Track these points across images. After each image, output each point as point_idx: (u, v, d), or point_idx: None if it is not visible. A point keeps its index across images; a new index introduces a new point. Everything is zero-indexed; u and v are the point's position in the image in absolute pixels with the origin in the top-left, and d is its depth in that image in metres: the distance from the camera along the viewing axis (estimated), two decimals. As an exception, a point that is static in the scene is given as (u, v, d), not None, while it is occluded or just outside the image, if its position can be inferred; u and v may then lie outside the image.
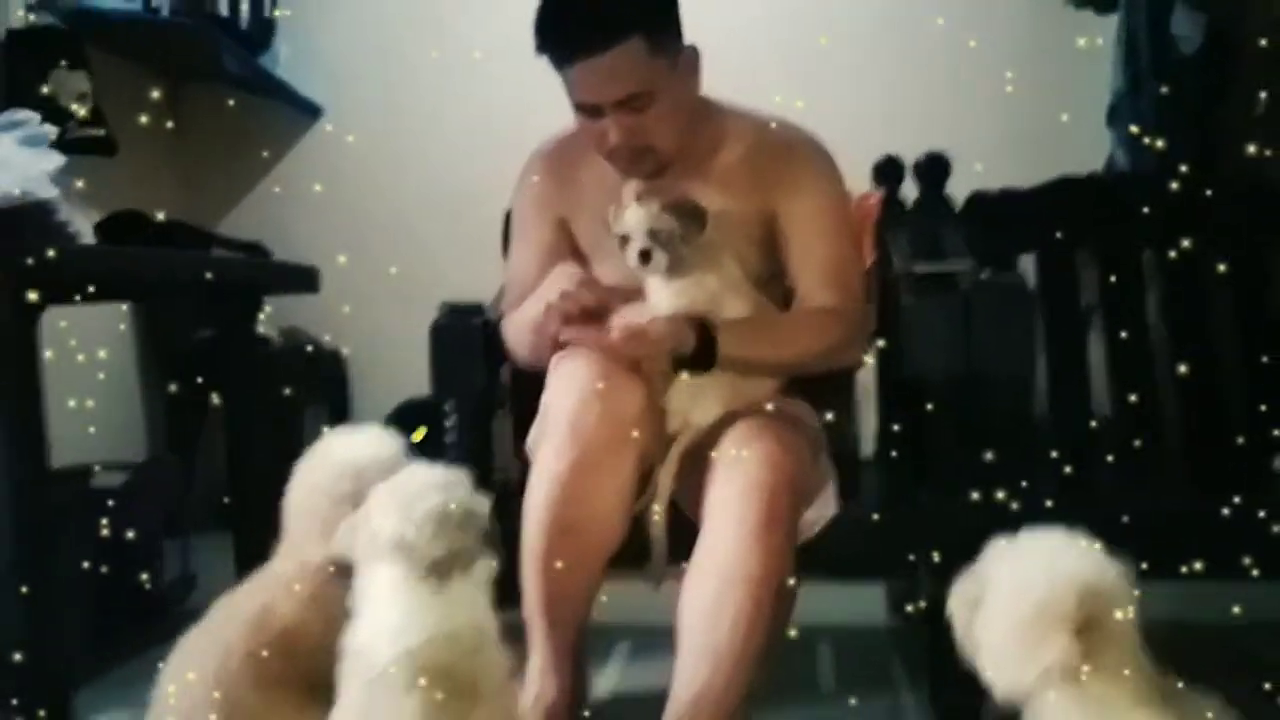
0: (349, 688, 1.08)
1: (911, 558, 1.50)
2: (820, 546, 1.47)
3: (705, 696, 1.26)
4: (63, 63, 2.49)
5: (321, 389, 3.12)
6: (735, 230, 1.53)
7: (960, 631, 1.04)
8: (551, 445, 1.35)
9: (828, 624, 2.02)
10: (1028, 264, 1.90)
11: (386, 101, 3.25)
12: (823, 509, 1.48)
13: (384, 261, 2.94)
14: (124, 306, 2.95)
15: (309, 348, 3.12)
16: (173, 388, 2.85)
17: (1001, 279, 1.61)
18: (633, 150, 1.48)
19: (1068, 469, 1.62)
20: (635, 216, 1.44)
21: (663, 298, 1.49)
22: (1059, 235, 1.93)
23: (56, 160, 1.64)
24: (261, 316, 2.49)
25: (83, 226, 1.83)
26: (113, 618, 1.94)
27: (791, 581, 1.35)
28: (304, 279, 2.23)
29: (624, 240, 1.44)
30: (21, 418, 1.58)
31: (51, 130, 1.65)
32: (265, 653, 1.27)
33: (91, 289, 1.77)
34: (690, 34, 1.52)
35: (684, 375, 1.43)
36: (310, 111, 3.28)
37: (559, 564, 1.37)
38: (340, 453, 1.41)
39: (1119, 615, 0.98)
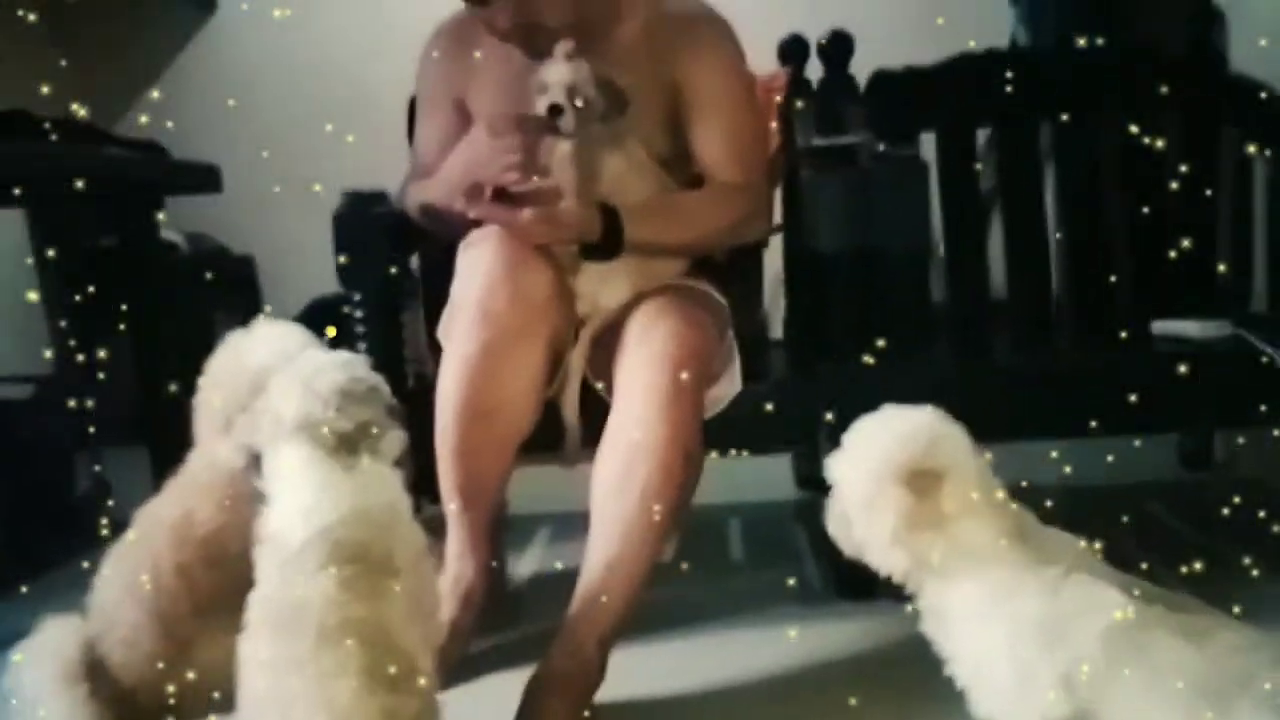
0: (265, 574, 1.08)
1: (812, 428, 1.54)
2: (727, 421, 1.51)
3: (616, 564, 1.30)
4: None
5: (232, 294, 3.05)
6: (639, 108, 1.52)
7: (833, 523, 1.09)
8: (461, 328, 1.36)
9: (736, 500, 2.09)
10: (930, 143, 1.94)
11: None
12: (728, 385, 1.52)
13: (287, 161, 2.86)
14: (19, 213, 2.83)
15: (216, 251, 3.05)
16: (77, 297, 2.77)
17: (899, 151, 1.63)
18: (525, 28, 1.45)
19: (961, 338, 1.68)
20: (559, 71, 1.41)
21: (566, 177, 1.48)
22: (957, 110, 1.97)
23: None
24: (162, 219, 2.43)
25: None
26: (28, 531, 1.92)
27: (699, 453, 1.38)
28: (205, 178, 2.17)
29: (541, 91, 1.42)
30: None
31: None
32: (191, 564, 1.30)
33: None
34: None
35: (589, 262, 1.44)
36: (203, 6, 3.13)
37: (472, 446, 1.38)
38: (244, 351, 1.40)
39: (962, 463, 1.03)
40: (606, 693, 1.31)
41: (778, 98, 2.00)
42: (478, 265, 1.36)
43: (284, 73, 3.12)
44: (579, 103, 1.40)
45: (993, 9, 2.55)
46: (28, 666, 1.25)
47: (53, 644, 1.27)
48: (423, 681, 1.04)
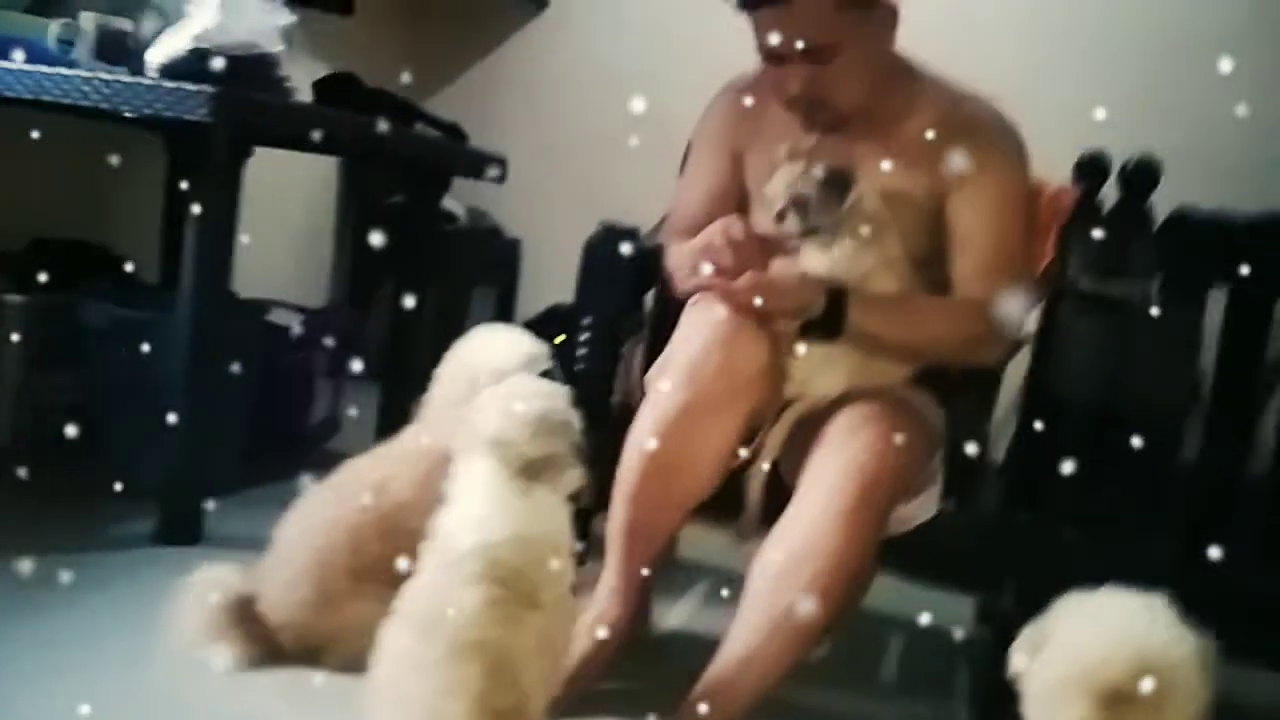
0: (426, 567, 1.15)
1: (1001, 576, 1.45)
2: (917, 544, 1.45)
3: (751, 661, 1.28)
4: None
5: (494, 272, 3.24)
6: (905, 205, 1.48)
7: (1016, 675, 1.01)
8: (667, 382, 1.38)
9: (908, 614, 2.00)
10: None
11: (613, 5, 3.27)
12: (921, 507, 1.45)
13: (575, 163, 3.00)
14: (333, 162, 3.14)
15: (490, 230, 3.25)
16: (373, 239, 3.05)
17: (1175, 313, 1.49)
18: (810, 102, 1.45)
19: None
20: (780, 175, 1.43)
21: (812, 264, 1.47)
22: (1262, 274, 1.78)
23: (287, 17, 1.76)
24: (449, 194, 2.63)
25: (300, 81, 1.97)
26: (261, 445, 2.13)
27: (868, 570, 1.34)
28: (494, 167, 2.33)
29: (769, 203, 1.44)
30: (217, 247, 1.74)
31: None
32: (366, 528, 1.40)
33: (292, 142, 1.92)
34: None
35: (805, 343, 1.42)
36: (537, 3, 3.34)
37: (648, 498, 1.40)
38: (477, 350, 1.50)
39: (1177, 693, 0.92)
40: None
41: (1058, 216, 1.90)
42: (698, 325, 1.38)
43: (596, 75, 3.25)
44: (803, 201, 1.40)
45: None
46: (184, 609, 1.38)
47: (207, 588, 1.39)
48: (531, 713, 1.08)
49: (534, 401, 1.17)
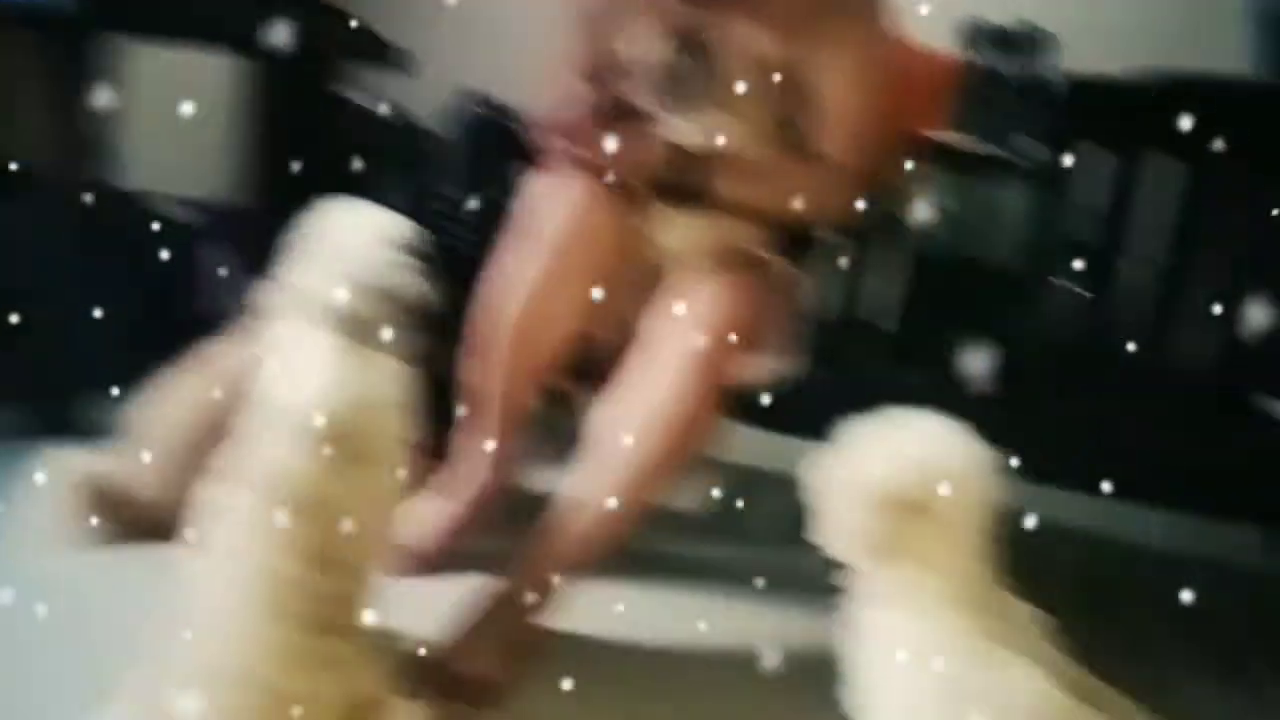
0: (249, 430, 1.13)
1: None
2: (790, 403, 1.47)
3: (590, 508, 1.31)
4: None
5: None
6: (770, 71, 1.47)
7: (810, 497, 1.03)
8: (526, 251, 1.39)
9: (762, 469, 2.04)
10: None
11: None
12: (776, 362, 1.47)
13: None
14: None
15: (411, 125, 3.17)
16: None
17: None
18: None
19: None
20: (647, 46, 1.41)
21: (677, 128, 1.46)
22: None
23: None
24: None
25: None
26: (144, 338, 2.10)
27: (711, 420, 1.35)
28: (395, 59, 2.28)
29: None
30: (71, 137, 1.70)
31: None
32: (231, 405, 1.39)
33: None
34: None
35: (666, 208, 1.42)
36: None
37: (513, 364, 1.43)
38: (336, 227, 1.45)
39: (952, 505, 0.94)
40: (568, 623, 1.34)
41: (945, 83, 1.89)
42: (553, 195, 1.38)
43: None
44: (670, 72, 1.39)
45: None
46: (37, 499, 1.40)
47: (62, 474, 1.42)
48: (360, 566, 1.09)
49: (362, 262, 1.16)
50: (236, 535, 1.05)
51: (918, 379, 1.49)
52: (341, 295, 1.15)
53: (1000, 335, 1.49)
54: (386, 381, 1.17)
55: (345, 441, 1.10)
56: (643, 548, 1.54)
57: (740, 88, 1.43)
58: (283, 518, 1.05)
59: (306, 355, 1.15)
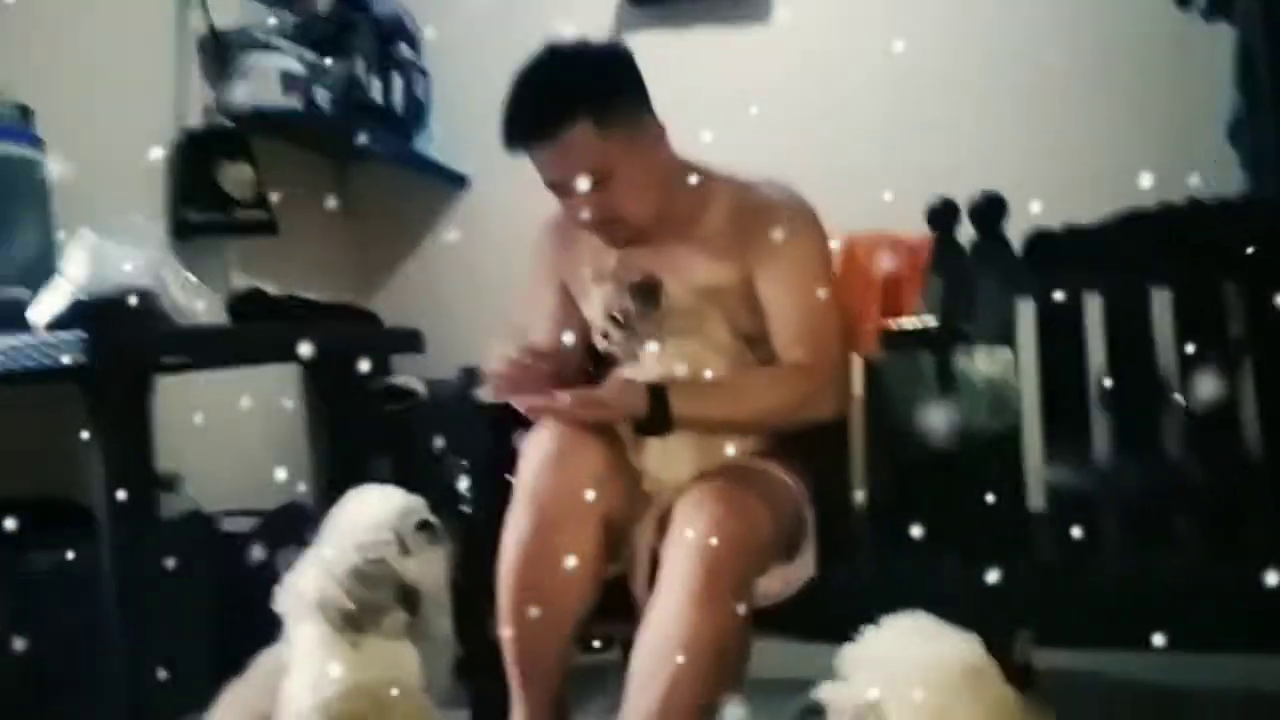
0: None
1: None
2: (801, 606, 1.47)
3: None
4: (230, 158, 2.88)
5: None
6: (720, 292, 1.57)
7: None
8: (514, 510, 1.45)
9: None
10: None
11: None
12: (798, 570, 1.48)
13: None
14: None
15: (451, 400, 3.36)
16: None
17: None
18: (604, 223, 1.56)
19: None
20: (594, 296, 1.53)
21: (648, 363, 1.56)
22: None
23: (162, 254, 1.93)
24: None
25: (198, 306, 2.14)
26: (237, 650, 2.19)
27: (739, 645, 1.34)
28: (408, 342, 2.46)
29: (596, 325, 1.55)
30: (135, 480, 1.86)
31: (155, 229, 1.94)
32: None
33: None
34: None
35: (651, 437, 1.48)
36: (458, 182, 3.55)
37: (527, 626, 1.46)
38: (354, 512, 1.56)
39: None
40: None
41: (917, 265, 1.97)
42: (531, 447, 1.45)
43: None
44: (620, 317, 1.49)
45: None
46: None
47: None
48: None
49: (348, 556, 1.23)
50: None
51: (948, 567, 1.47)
52: (330, 591, 1.22)
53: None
54: (387, 665, 1.22)
55: None
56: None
57: (696, 315, 1.53)
58: None
59: (310, 654, 1.21)
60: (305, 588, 1.23)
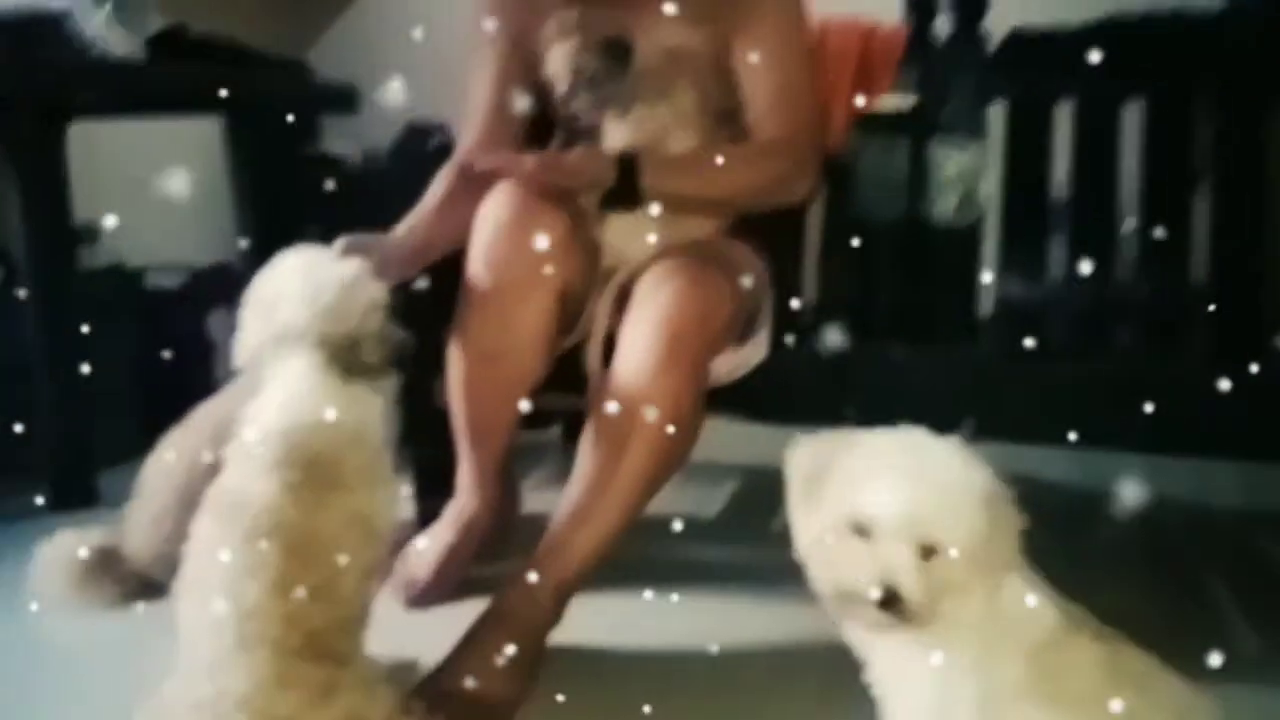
0: (230, 461, 1.16)
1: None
2: (750, 387, 1.48)
3: (583, 515, 1.31)
4: None
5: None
6: (693, 59, 1.49)
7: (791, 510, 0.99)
8: (468, 274, 1.39)
9: (743, 463, 2.05)
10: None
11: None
12: (751, 352, 1.48)
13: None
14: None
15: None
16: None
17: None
18: None
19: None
20: (557, 55, 1.43)
21: (612, 133, 1.48)
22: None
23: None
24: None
25: (116, 40, 1.95)
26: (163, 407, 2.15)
27: (692, 418, 1.33)
28: (343, 99, 2.31)
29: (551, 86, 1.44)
30: (50, 225, 1.76)
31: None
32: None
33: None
34: None
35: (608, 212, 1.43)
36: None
37: (478, 389, 1.43)
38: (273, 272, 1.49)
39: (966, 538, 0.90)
40: (567, 637, 1.34)
41: (893, 54, 1.90)
42: (488, 214, 1.39)
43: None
44: (587, 75, 1.41)
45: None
46: (42, 574, 1.49)
47: (64, 550, 1.49)
48: (342, 591, 1.10)
49: (338, 286, 1.19)
50: (218, 570, 1.06)
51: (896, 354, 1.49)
52: (305, 329, 1.18)
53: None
54: (359, 410, 1.19)
55: (313, 468, 1.12)
56: (647, 555, 1.57)
57: (665, 83, 1.45)
58: (260, 547, 1.06)
59: (276, 389, 1.18)
60: (291, 315, 1.18)
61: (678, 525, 1.52)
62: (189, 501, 1.42)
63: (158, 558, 1.45)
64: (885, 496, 0.90)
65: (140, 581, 1.48)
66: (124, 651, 1.39)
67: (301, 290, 1.20)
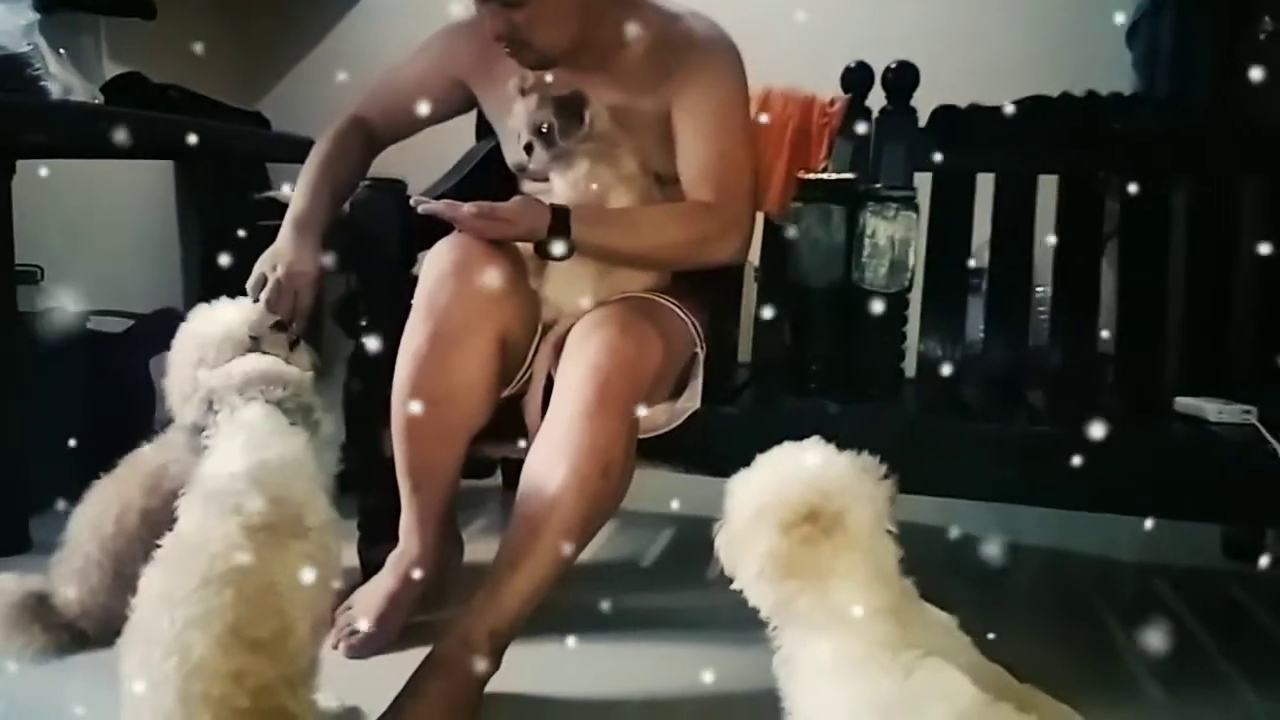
0: (186, 509, 1.15)
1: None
2: (686, 439, 1.53)
3: (517, 563, 1.33)
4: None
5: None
6: (637, 125, 1.56)
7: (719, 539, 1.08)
8: (412, 321, 1.44)
9: (675, 513, 2.10)
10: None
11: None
12: (685, 402, 1.53)
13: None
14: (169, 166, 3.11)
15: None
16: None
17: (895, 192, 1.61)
18: (512, 43, 1.52)
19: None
20: (518, 108, 1.50)
21: (557, 188, 1.55)
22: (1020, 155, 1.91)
23: (29, 16, 1.76)
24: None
25: (75, 84, 1.98)
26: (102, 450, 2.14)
27: (622, 466, 1.37)
28: (296, 149, 2.35)
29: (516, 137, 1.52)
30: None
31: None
32: (155, 511, 1.41)
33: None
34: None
35: (549, 261, 1.49)
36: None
37: (419, 434, 1.46)
38: (206, 322, 1.52)
39: (851, 519, 1.00)
40: (505, 684, 1.36)
41: (829, 125, 2.01)
42: (432, 261, 1.44)
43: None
44: (544, 129, 1.48)
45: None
46: None
47: None
48: (292, 645, 1.08)
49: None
50: (164, 623, 1.04)
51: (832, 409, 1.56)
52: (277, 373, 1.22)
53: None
54: (311, 461, 1.22)
55: (276, 508, 1.10)
56: (582, 603, 1.60)
57: (610, 145, 1.52)
58: (214, 594, 1.04)
59: (236, 432, 1.20)
60: (246, 366, 1.21)
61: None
62: (117, 553, 1.45)
63: (85, 611, 1.45)
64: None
65: (72, 633, 1.45)
66: (65, 702, 1.33)
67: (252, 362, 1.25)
